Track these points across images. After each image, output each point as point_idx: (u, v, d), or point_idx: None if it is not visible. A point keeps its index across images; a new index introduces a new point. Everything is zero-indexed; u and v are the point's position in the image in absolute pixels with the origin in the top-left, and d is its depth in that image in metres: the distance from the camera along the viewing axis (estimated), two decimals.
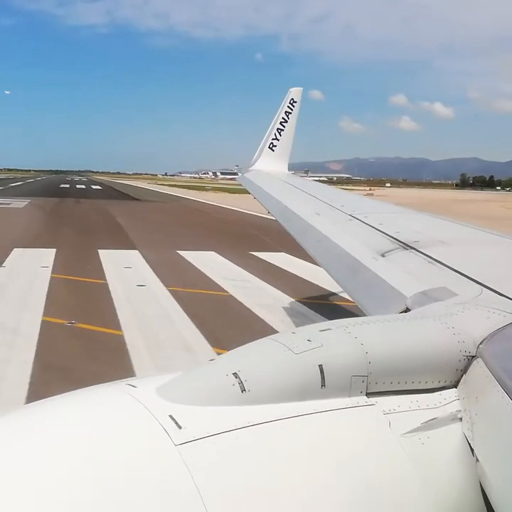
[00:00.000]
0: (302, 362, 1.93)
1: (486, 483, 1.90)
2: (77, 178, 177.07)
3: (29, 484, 1.50)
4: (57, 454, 1.58)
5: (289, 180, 11.46)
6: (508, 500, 1.81)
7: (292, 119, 13.78)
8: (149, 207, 54.26)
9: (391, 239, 5.06)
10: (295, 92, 13.96)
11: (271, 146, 13.70)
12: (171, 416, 1.71)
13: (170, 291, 16.30)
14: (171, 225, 35.99)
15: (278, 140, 13.68)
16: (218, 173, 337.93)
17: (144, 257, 22.39)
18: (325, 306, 15.22)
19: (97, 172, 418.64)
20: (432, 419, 2.00)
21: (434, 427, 1.99)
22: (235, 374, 1.85)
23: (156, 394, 1.81)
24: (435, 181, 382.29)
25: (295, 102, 13.86)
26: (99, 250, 23.52)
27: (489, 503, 1.89)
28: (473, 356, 2.20)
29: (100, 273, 19.00)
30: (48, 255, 21.77)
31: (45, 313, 13.36)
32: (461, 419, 2.05)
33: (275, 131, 13.74)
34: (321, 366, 1.93)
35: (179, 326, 12.94)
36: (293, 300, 15.77)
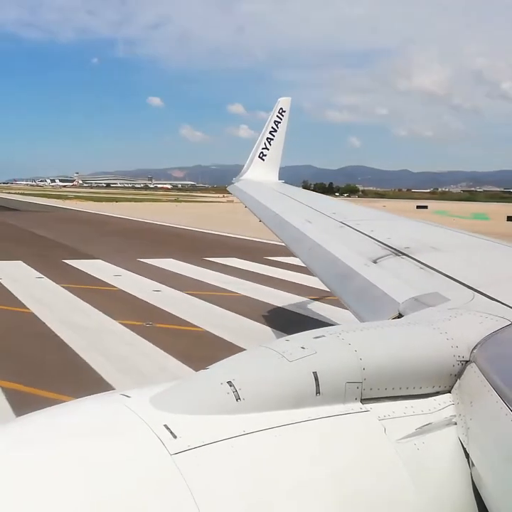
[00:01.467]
0: (296, 369, 1.93)
1: (481, 487, 1.89)
2: None
3: (26, 493, 1.50)
4: (53, 464, 1.58)
5: (279, 189, 11.53)
6: (504, 504, 1.81)
7: (281, 128, 13.88)
8: (43, 217, 53.53)
9: (383, 245, 5.02)
10: (284, 102, 14.03)
11: (261, 155, 13.73)
12: (165, 425, 1.70)
13: (189, 294, 17.08)
14: (94, 235, 36.39)
15: (268, 149, 13.75)
16: (57, 180, 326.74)
17: (117, 265, 22.63)
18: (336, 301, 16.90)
19: None
20: (427, 425, 1.99)
21: (429, 432, 1.98)
22: (229, 382, 1.84)
23: (150, 404, 1.80)
24: None
25: (284, 111, 13.95)
26: (65, 260, 23.62)
27: (485, 507, 1.88)
28: (467, 361, 2.19)
29: (100, 281, 19.39)
30: (23, 267, 21.80)
31: (114, 318, 13.82)
32: (455, 423, 2.04)
33: (265, 140, 13.81)
34: (315, 373, 1.92)
35: (242, 322, 13.83)
36: (307, 299, 16.63)
